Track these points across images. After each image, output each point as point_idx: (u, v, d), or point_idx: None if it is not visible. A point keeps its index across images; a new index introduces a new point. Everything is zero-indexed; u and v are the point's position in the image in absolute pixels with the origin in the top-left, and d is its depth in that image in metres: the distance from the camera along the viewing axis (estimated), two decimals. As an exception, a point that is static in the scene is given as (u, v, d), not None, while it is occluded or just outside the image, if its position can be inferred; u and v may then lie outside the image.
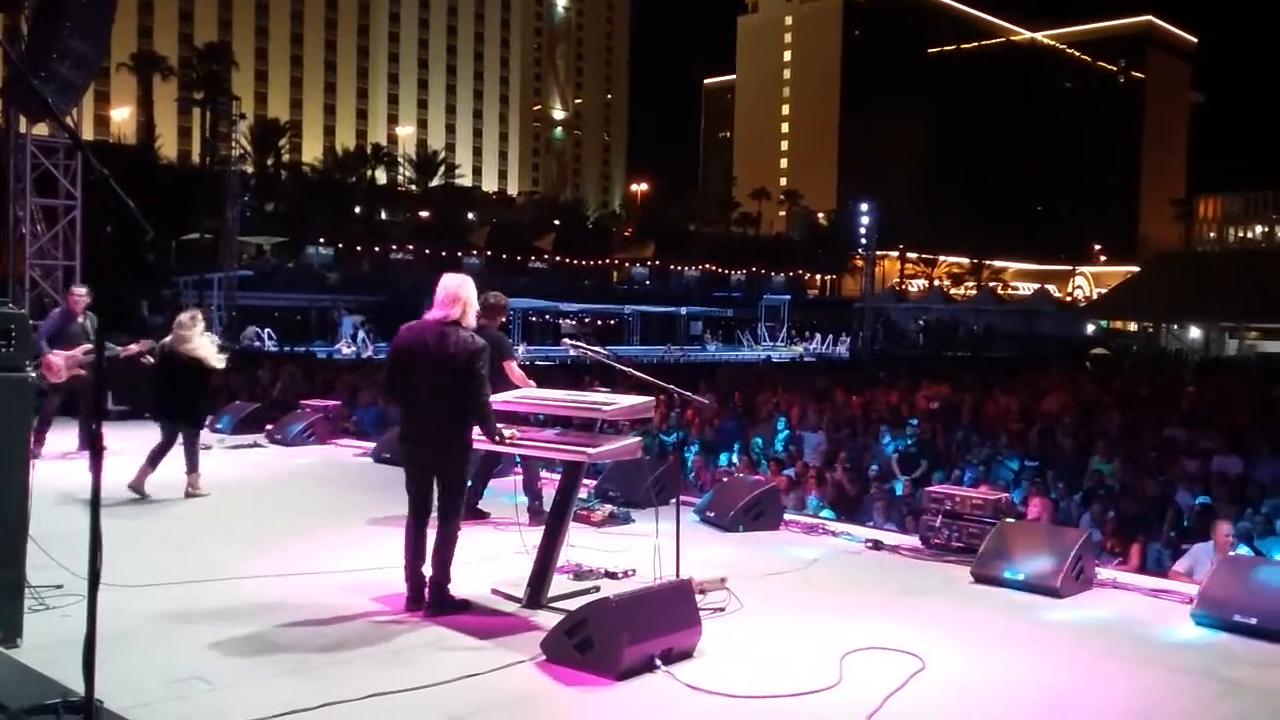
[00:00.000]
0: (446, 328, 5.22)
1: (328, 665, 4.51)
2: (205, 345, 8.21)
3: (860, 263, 62.73)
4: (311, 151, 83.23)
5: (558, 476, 6.14)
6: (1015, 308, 62.63)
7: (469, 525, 6.22)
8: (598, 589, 5.59)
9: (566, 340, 8.92)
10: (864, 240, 51.43)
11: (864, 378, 22.92)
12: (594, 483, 8.31)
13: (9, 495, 4.39)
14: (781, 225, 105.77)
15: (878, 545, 7.14)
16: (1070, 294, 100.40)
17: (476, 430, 5.32)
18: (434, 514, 5.34)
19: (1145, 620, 5.56)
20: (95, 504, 3.08)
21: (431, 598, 5.26)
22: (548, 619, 5.04)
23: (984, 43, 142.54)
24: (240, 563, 6.18)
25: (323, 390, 16.40)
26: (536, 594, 5.41)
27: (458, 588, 5.34)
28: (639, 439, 5.94)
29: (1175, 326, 52.82)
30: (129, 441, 8.47)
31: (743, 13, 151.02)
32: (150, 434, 8.27)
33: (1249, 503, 9.05)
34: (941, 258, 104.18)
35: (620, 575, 5.95)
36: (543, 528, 5.70)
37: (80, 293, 10.09)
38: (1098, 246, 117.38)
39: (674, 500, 5.78)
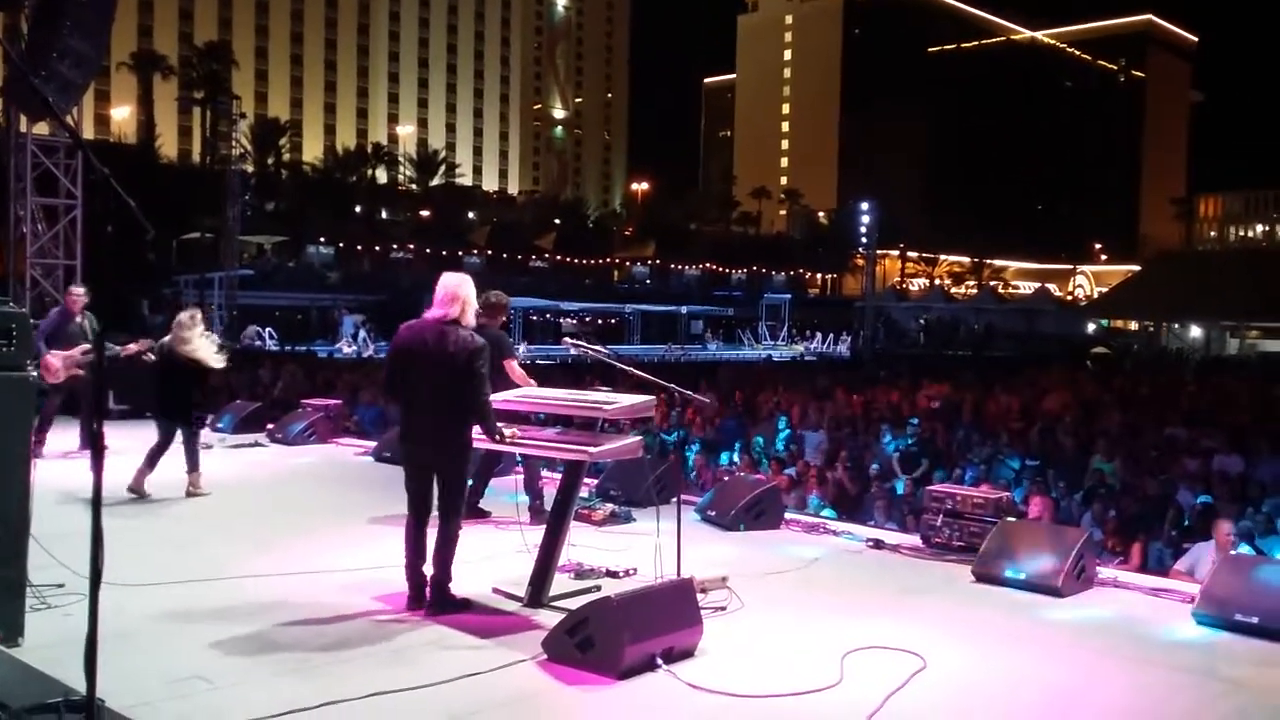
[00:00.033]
0: (446, 326, 5.22)
1: (329, 664, 4.51)
2: (204, 346, 8.20)
3: (861, 262, 62.75)
4: (312, 151, 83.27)
5: (559, 476, 6.14)
6: (1016, 307, 62.61)
7: (470, 524, 6.22)
8: (599, 588, 5.59)
9: (567, 339, 8.90)
10: (864, 239, 51.40)
11: (865, 377, 22.90)
12: (595, 482, 8.31)
13: (10, 494, 4.39)
14: (782, 224, 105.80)
15: (879, 544, 7.14)
16: (1071, 293, 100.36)
17: (477, 429, 5.32)
18: (435, 513, 5.35)
19: (1146, 619, 5.56)
20: (97, 503, 3.08)
21: (433, 597, 5.26)
22: (549, 618, 5.04)
23: (984, 42, 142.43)
24: (241, 562, 6.18)
25: (323, 389, 16.41)
26: (538, 593, 5.41)
27: (459, 587, 5.34)
28: (640, 438, 5.93)
29: (1176, 325, 52.80)
30: (130, 441, 8.46)
31: (743, 12, 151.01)
32: (151, 433, 8.26)
33: (1250, 502, 9.05)
34: (942, 257, 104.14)
35: (621, 574, 5.95)
36: (544, 527, 5.70)
37: (78, 292, 10.08)
38: (1098, 245, 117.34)
39: (675, 499, 5.78)
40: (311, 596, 5.48)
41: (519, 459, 7.43)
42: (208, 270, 37.57)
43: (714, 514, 7.65)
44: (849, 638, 4.97)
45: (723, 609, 5.44)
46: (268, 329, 36.76)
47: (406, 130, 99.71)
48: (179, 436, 8.21)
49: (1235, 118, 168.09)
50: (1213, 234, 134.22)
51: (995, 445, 12.23)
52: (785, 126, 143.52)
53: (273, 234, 52.54)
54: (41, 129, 15.99)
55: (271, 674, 4.36)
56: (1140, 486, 9.77)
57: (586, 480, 6.89)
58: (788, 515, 7.98)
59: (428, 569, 5.29)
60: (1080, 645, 5.09)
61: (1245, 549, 7.17)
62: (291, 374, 18.57)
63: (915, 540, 7.19)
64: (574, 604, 5.08)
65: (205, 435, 9.60)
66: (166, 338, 8.34)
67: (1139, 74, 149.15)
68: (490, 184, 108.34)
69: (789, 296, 62.88)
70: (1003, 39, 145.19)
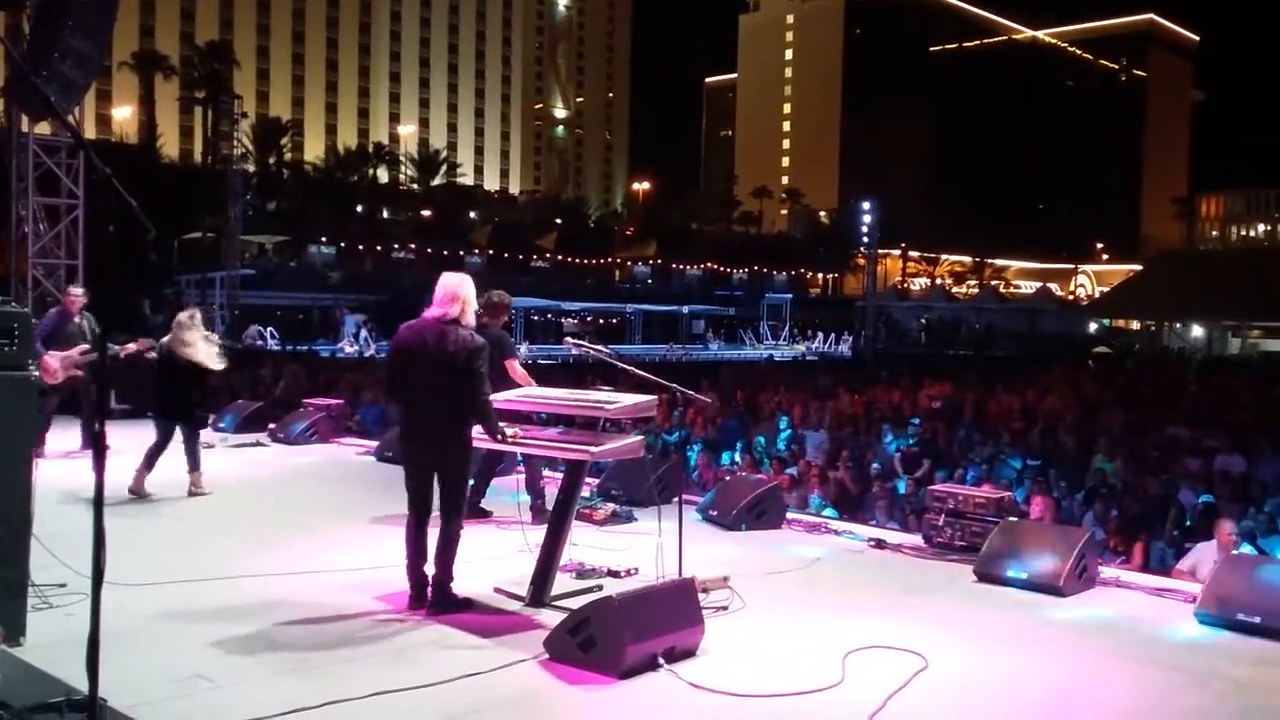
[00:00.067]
0: (446, 326, 5.22)
1: (330, 664, 4.51)
2: (202, 348, 8.18)
3: (862, 261, 62.75)
4: (313, 150, 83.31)
5: (560, 475, 6.14)
6: (1017, 306, 62.64)
7: (472, 524, 6.22)
8: (600, 588, 5.59)
9: (569, 339, 8.91)
10: (866, 239, 51.36)
11: (866, 376, 22.89)
12: (596, 481, 8.31)
13: (12, 494, 4.39)
14: (783, 224, 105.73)
15: (880, 544, 7.14)
16: (1072, 292, 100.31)
17: (478, 429, 5.32)
18: (436, 513, 5.34)
19: (1148, 619, 5.56)
20: (99, 502, 3.08)
21: (434, 596, 5.26)
22: (550, 618, 5.04)
23: (986, 41, 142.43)
24: (242, 561, 6.18)
25: (325, 389, 16.40)
26: (539, 592, 5.41)
27: (460, 586, 5.34)
28: (641, 438, 5.93)
29: (1178, 325, 52.78)
30: (132, 440, 8.46)
31: (744, 11, 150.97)
32: (153, 433, 8.26)
33: (1252, 501, 9.04)
34: (943, 256, 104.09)
35: (623, 574, 5.95)
36: (545, 526, 5.70)
37: (77, 293, 10.07)
38: (1100, 245, 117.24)
39: (676, 499, 5.78)
40: (313, 596, 5.49)
41: (520, 459, 7.43)
42: (209, 270, 37.62)
43: (715, 514, 7.65)
44: (851, 637, 4.96)
45: (724, 609, 5.44)
46: (269, 329, 36.78)
47: (408, 130, 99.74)
48: (178, 436, 8.21)
49: (1237, 117, 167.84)
50: (1214, 233, 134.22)
51: (997, 445, 12.22)
52: (786, 126, 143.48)
53: (274, 234, 52.56)
54: (43, 129, 15.98)
55: (273, 673, 4.36)
56: (1142, 486, 9.77)
57: (588, 480, 6.89)
58: (789, 515, 7.97)
59: (429, 568, 5.29)
60: (1082, 645, 5.08)
61: (1247, 549, 7.17)
62: (293, 374, 18.58)
63: (917, 540, 7.19)
64: (576, 603, 5.08)
65: (207, 435, 9.61)
66: (166, 338, 8.34)
67: (1140, 73, 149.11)
68: (491, 184, 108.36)
69: (790, 296, 62.86)
70: (1004, 38, 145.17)
